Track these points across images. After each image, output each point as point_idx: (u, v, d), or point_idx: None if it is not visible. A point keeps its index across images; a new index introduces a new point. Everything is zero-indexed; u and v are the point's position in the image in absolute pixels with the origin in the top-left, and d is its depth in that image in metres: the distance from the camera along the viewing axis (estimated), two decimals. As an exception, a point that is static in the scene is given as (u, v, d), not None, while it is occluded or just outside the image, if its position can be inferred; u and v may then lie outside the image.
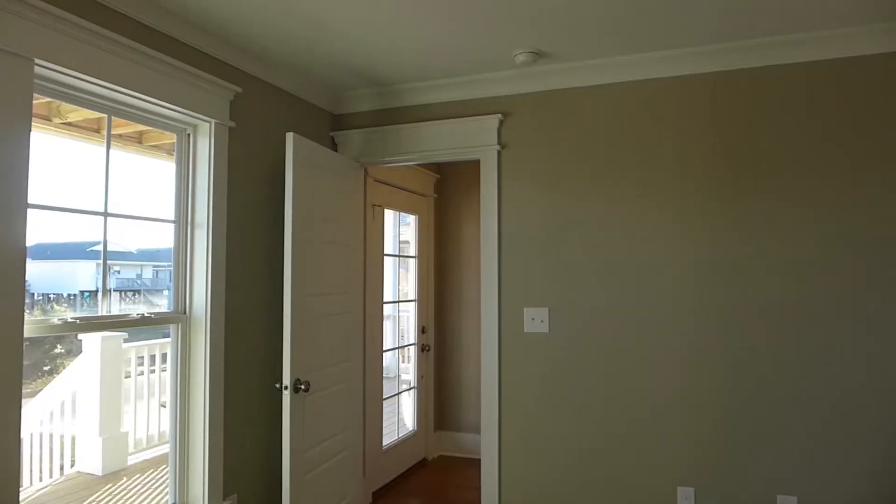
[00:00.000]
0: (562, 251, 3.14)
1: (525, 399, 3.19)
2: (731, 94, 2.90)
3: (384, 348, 4.32)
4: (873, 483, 2.64)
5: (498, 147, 3.26)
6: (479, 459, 3.53)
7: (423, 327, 4.75)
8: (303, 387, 2.83)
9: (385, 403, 4.35)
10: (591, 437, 3.07)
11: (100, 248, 2.45)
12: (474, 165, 4.92)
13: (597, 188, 3.10)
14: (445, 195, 5.10)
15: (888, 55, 2.68)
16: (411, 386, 4.70)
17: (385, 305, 4.34)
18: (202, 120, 2.73)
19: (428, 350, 4.78)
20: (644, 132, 3.03)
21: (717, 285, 2.88)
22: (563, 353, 3.12)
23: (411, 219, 4.73)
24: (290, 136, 2.86)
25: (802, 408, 2.74)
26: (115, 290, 3.75)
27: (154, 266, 6.29)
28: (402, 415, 4.65)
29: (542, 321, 3.15)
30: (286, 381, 2.79)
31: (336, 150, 3.62)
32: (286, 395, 2.79)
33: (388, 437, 4.36)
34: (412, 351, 4.73)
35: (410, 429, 4.67)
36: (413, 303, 4.70)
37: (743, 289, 2.85)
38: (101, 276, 2.48)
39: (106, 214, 2.45)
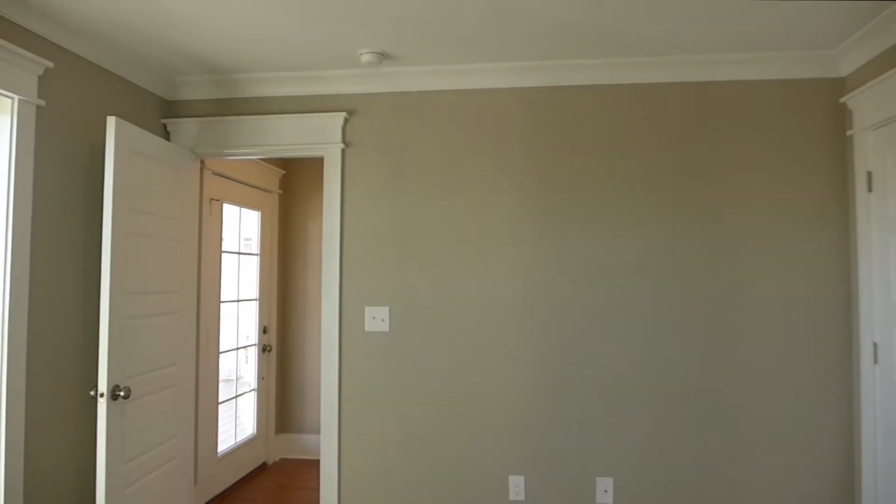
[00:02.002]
0: (403, 251, 3.20)
1: (365, 397, 3.20)
2: (561, 106, 3.12)
3: (221, 349, 4.11)
4: (678, 462, 2.99)
5: (342, 145, 3.24)
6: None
7: (265, 327, 4.59)
8: (122, 393, 2.62)
9: (222, 407, 4.14)
10: (428, 432, 3.15)
11: None
12: (322, 162, 4.84)
13: (437, 190, 3.19)
14: (291, 191, 4.96)
15: (694, 84, 3.04)
16: (251, 388, 4.52)
17: (224, 305, 4.13)
18: (1, 95, 2.42)
19: (269, 350, 4.62)
20: (481, 139, 3.17)
21: (540, 283, 3.09)
22: (403, 350, 3.18)
23: (255, 215, 4.55)
24: (111, 121, 2.63)
25: (613, 396, 3.03)
26: None
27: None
28: (241, 419, 4.46)
29: (382, 320, 3.18)
30: (102, 387, 2.56)
31: (168, 139, 3.38)
32: (102, 402, 2.55)
33: (225, 443, 4.16)
34: (253, 352, 4.55)
35: (250, 433, 4.49)
36: (254, 302, 4.52)
37: (563, 287, 3.08)
38: None
39: None
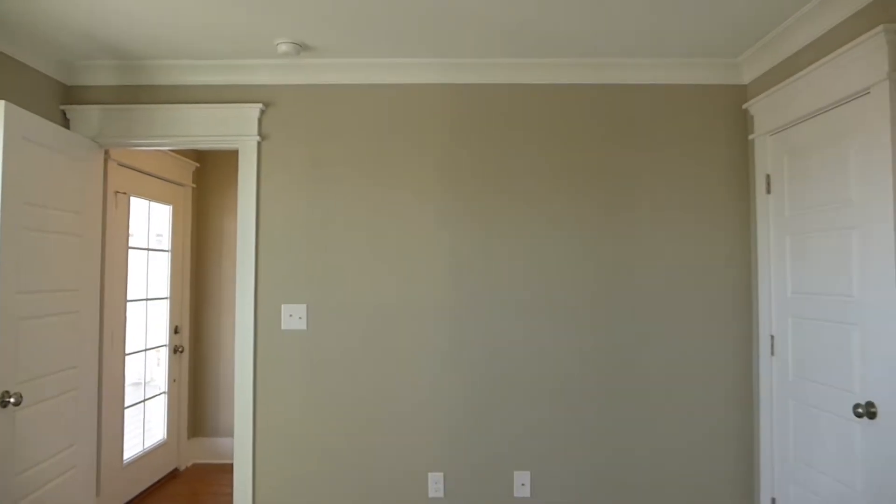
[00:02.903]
0: (322, 247, 3.13)
1: (281, 397, 3.10)
2: (483, 105, 3.14)
3: (128, 351, 3.89)
4: (592, 453, 3.07)
5: (258, 138, 3.13)
6: (234, 465, 3.35)
7: (177, 327, 4.39)
8: (12, 399, 2.42)
9: (130, 412, 3.92)
10: (347, 432, 3.10)
11: None
12: (237, 155, 4.68)
13: (358, 186, 3.14)
14: (206, 185, 4.76)
15: (610, 86, 3.13)
16: (161, 391, 4.31)
17: (131, 304, 3.91)
18: None
19: (182, 351, 4.42)
20: (408, 134, 3.14)
21: (460, 281, 3.10)
22: (322, 349, 3.11)
23: (166, 209, 4.33)
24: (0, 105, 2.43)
25: (530, 391, 3.08)
26: None
27: None
28: (150, 423, 4.23)
29: (300, 318, 3.10)
30: (-13, 393, 2.36)
31: (68, 127, 3.16)
32: (-13, 410, 2.35)
33: (133, 450, 3.94)
34: (163, 353, 4.33)
35: (160, 438, 4.28)
36: (165, 301, 4.31)
37: (480, 284, 3.10)
38: None
39: None
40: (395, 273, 3.11)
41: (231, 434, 4.63)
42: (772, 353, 2.87)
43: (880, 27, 2.08)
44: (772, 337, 2.87)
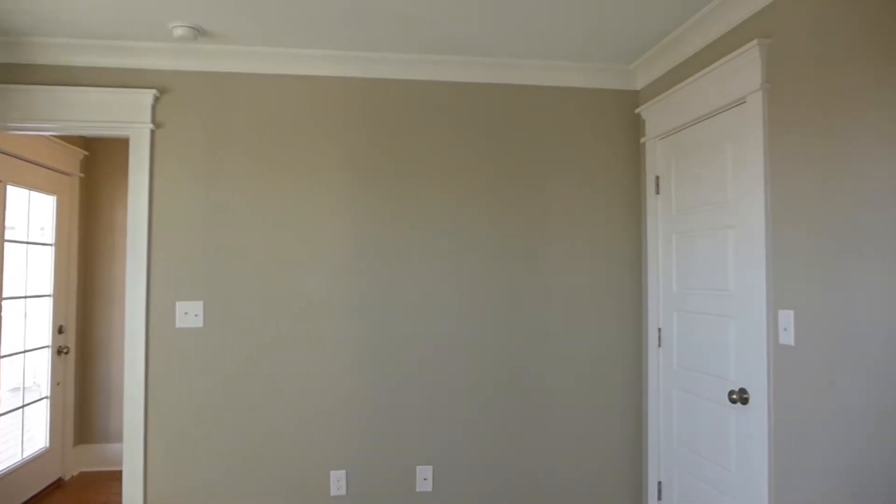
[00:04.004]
0: (220, 242, 3.01)
1: (176, 400, 2.96)
2: (389, 99, 3.13)
3: (3, 353, 3.59)
4: (493, 445, 3.13)
5: (152, 126, 2.97)
6: (123, 471, 3.17)
7: (62, 326, 4.09)
8: None
9: (6, 419, 3.62)
10: (247, 433, 3.00)
11: None
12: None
13: (261, 179, 3.04)
14: (96, 175, 4.47)
15: (514, 86, 3.20)
16: (43, 396, 4.00)
17: (7, 302, 3.61)
18: None
19: (67, 353, 4.13)
20: (314, 127, 3.08)
21: (361, 277, 3.09)
22: (220, 348, 2.99)
23: (49, 200, 4.03)
24: None
25: (432, 386, 3.11)
26: None
27: None
28: (31, 431, 3.92)
29: (196, 315, 2.97)
30: None
31: (-69, 107, 2.87)
32: None
33: (10, 460, 3.64)
34: (46, 354, 4.03)
35: (42, 446, 3.98)
36: (48, 298, 4.01)
37: (381, 279, 3.10)
38: None
39: None
40: (298, 269, 3.05)
41: (122, 440, 4.37)
42: (659, 345, 3.04)
43: (755, 41, 2.25)
44: (659, 330, 3.04)
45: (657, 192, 3.06)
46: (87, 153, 4.37)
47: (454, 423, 3.12)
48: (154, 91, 2.95)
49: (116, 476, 4.24)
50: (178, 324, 2.96)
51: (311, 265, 3.06)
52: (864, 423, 1.84)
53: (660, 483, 3.03)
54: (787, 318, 2.14)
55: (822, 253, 1.99)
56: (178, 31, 2.71)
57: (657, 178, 3.07)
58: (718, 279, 2.57)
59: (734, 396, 2.38)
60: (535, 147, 3.21)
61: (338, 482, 3.04)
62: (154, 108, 2.99)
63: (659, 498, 3.03)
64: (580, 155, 3.24)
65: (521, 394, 3.16)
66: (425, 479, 3.08)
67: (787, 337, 2.14)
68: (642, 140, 3.19)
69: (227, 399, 3.00)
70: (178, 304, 2.97)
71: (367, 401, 3.07)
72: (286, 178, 3.06)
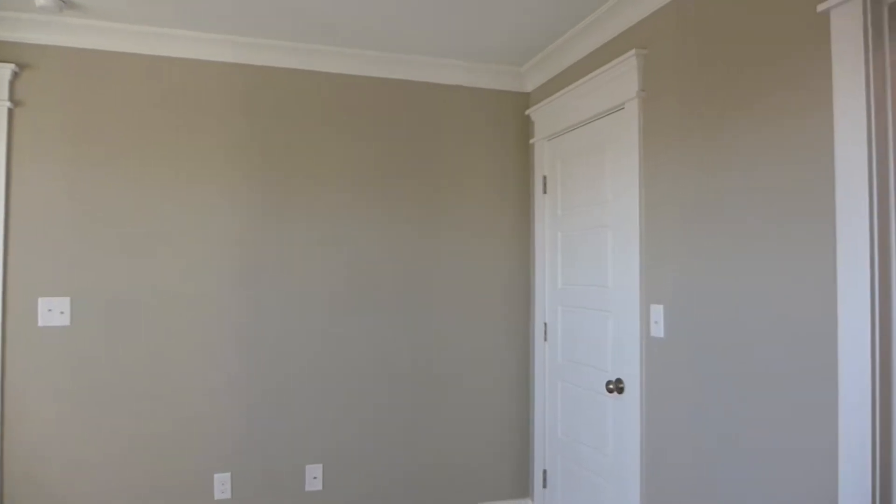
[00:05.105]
0: (90, 234, 2.79)
1: (39, 404, 2.71)
2: (272, 87, 3.02)
3: None
4: (385, 442, 3.13)
5: (9, 104, 2.69)
6: (-28, 485, 2.86)
7: None
8: None
9: None
10: (121, 439, 2.80)
11: None
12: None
13: (134, 166, 2.85)
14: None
15: (413, 83, 3.20)
16: None
17: None
18: None
19: None
20: (189, 113, 2.92)
21: (247, 273, 2.98)
22: (90, 347, 2.77)
23: None
24: None
25: (319, 384, 3.06)
26: None
27: None
28: None
29: (62, 312, 2.73)
30: None
31: None
32: None
33: None
34: None
35: None
36: None
37: (269, 276, 3.01)
38: None
39: None
40: (175, 263, 2.88)
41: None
42: (545, 339, 3.16)
43: (632, 51, 2.39)
44: (545, 324, 3.16)
45: (545, 192, 3.18)
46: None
47: (344, 420, 3.08)
48: (13, 66, 2.68)
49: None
50: (41, 322, 2.71)
51: (188, 259, 2.90)
52: (721, 405, 2.01)
53: (545, 471, 3.16)
54: (657, 312, 2.30)
55: (690, 250, 2.15)
56: (40, 1, 2.47)
57: (545, 177, 3.18)
58: (598, 275, 2.71)
59: (611, 386, 2.52)
60: (431, 145, 3.23)
61: (222, 485, 2.92)
62: (12, 83, 2.72)
63: (544, 486, 3.16)
64: (474, 154, 3.29)
65: (411, 390, 3.18)
66: (315, 478, 3.02)
67: (658, 330, 2.30)
68: (531, 141, 3.30)
69: (98, 403, 2.78)
70: (40, 300, 2.71)
71: (253, 399, 2.97)
72: (162, 166, 2.88)
